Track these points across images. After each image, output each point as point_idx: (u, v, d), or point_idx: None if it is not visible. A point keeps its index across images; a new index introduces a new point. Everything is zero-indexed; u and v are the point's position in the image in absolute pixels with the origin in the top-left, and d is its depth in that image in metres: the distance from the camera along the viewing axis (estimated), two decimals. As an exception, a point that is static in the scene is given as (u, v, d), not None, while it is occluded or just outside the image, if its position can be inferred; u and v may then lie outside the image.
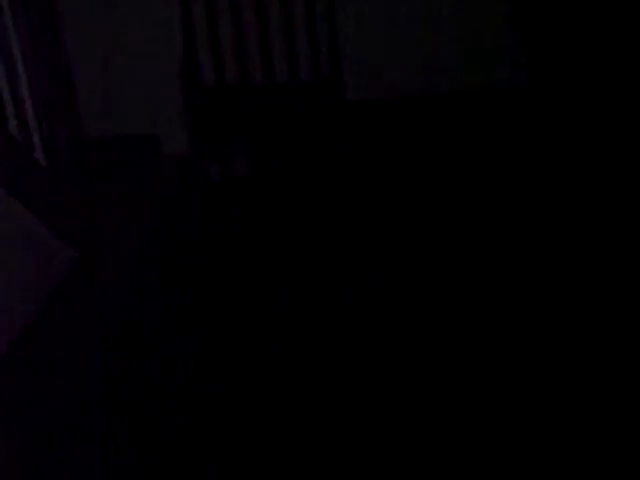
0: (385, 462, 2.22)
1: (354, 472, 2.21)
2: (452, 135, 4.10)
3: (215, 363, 2.77)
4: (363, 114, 4.12)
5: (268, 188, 3.94)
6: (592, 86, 3.73)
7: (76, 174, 3.73)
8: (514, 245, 3.32)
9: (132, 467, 2.30)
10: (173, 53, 3.81)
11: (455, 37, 4.00)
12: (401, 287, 3.12)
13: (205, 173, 3.87)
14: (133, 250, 3.44)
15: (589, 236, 3.28)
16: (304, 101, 3.90)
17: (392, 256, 3.33)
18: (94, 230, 3.42)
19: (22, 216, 3.11)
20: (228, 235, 3.60)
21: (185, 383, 2.65)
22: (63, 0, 3.91)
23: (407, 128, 4.16)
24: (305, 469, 2.24)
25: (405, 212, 3.66)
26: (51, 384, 2.68)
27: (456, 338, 2.75)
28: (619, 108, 3.64)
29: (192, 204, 3.84)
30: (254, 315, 3.01)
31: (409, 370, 2.58)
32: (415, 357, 2.66)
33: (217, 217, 3.73)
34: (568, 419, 2.30)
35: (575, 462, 2.15)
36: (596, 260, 3.10)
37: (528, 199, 3.63)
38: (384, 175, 4.00)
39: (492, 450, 2.22)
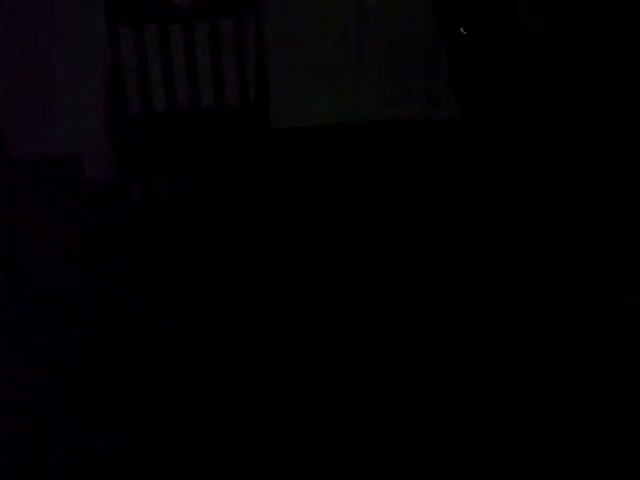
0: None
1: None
2: (375, 164, 4.19)
3: None
4: (287, 141, 4.20)
5: (190, 210, 4.00)
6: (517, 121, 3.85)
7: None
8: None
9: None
10: (100, 80, 3.84)
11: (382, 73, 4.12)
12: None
13: (127, 195, 3.90)
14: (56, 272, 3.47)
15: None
16: (230, 127, 3.96)
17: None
18: (17, 254, 3.43)
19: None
20: (149, 257, 3.65)
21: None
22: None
23: (329, 156, 4.25)
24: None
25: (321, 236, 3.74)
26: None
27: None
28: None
29: (115, 224, 3.88)
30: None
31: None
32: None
33: (138, 237, 3.78)
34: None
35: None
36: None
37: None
38: (305, 198, 4.08)
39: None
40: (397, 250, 3.55)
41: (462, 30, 3.82)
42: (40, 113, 4.04)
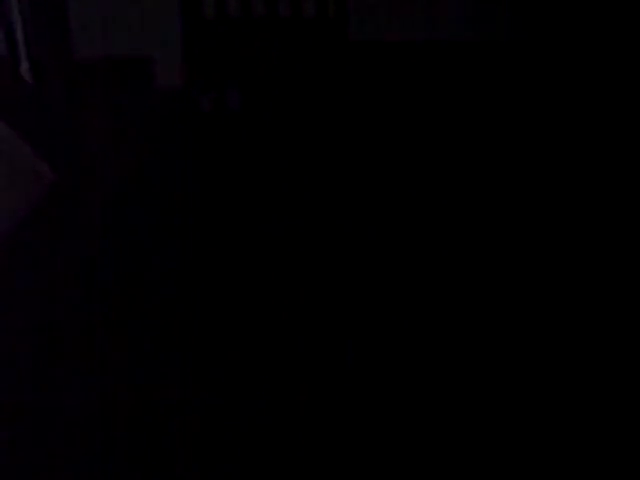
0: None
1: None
2: (451, 83, 4.01)
3: (205, 291, 2.74)
4: (365, 56, 4.01)
5: (261, 125, 3.84)
6: (592, 46, 3.64)
7: (65, 97, 3.60)
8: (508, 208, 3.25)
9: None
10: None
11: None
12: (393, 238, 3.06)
13: (197, 105, 3.76)
14: (116, 178, 3.35)
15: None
16: (306, 39, 3.78)
17: (384, 206, 3.26)
18: (78, 156, 3.32)
19: (6, 134, 3.01)
20: (216, 170, 3.51)
21: (176, 307, 2.64)
22: None
23: (407, 73, 4.06)
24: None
25: (397, 158, 3.58)
26: (26, 307, 2.63)
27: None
28: (617, 71, 3.56)
29: (182, 135, 3.74)
30: (243, 249, 2.94)
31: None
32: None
33: (206, 150, 3.63)
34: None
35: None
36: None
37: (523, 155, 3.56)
38: (380, 119, 3.91)
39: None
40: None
41: None
42: (114, 15, 3.91)
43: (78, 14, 3.89)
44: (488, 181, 3.43)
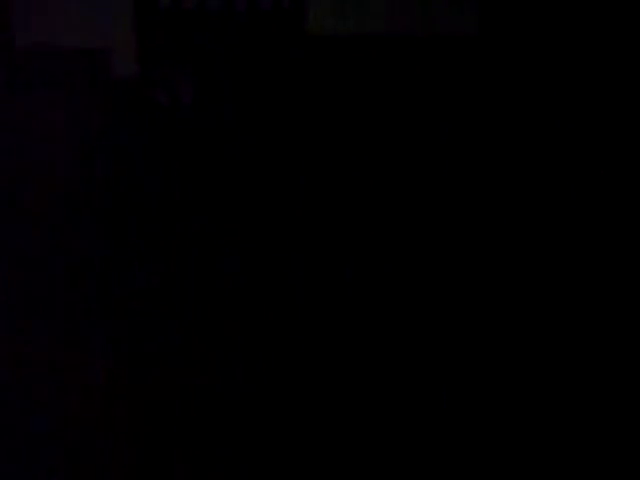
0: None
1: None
2: (407, 78, 3.97)
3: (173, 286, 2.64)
4: (323, 50, 3.95)
5: (212, 117, 3.78)
6: (547, 45, 3.62)
7: (5, 88, 3.50)
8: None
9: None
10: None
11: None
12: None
13: (151, 98, 3.69)
14: (68, 175, 3.27)
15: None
16: (262, 31, 3.73)
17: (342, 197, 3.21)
18: (24, 150, 3.23)
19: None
20: (170, 163, 3.44)
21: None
22: None
23: (364, 66, 4.02)
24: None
25: (354, 154, 3.53)
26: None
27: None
28: (572, 66, 3.54)
29: (136, 128, 3.67)
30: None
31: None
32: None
33: (160, 144, 3.56)
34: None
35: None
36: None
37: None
38: (338, 114, 3.86)
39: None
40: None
41: None
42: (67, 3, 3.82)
43: (30, 4, 3.79)
44: (473, 176, 3.40)
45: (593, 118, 3.50)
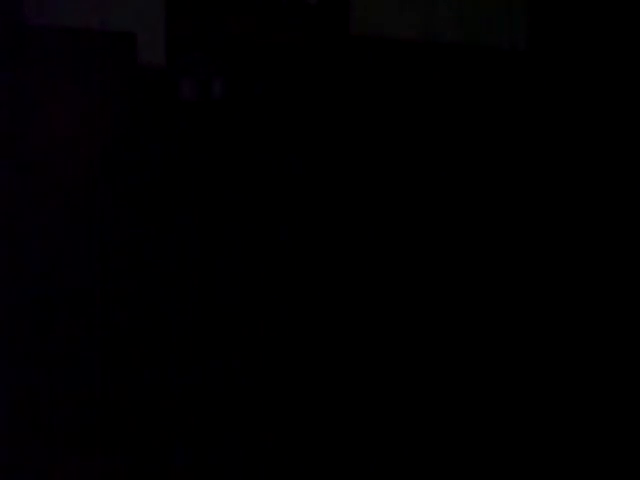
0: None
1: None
2: (448, 87, 3.68)
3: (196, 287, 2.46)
4: (365, 51, 3.63)
5: (245, 118, 3.43)
6: (599, 59, 3.47)
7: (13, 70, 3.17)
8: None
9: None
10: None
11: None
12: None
13: (177, 90, 3.33)
14: (86, 165, 2.93)
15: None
16: (304, 26, 3.38)
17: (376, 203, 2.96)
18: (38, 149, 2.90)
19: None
20: (196, 163, 3.11)
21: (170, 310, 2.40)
22: None
23: (404, 72, 3.72)
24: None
25: (391, 159, 3.26)
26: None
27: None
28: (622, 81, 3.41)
29: (160, 122, 3.32)
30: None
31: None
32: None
33: (187, 141, 3.22)
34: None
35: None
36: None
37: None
38: (375, 119, 3.55)
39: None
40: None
41: None
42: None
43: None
44: (483, 183, 3.17)
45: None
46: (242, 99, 3.41)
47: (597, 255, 2.95)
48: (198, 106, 3.35)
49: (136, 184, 2.99)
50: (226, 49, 3.37)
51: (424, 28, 3.72)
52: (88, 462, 2.05)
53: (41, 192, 2.77)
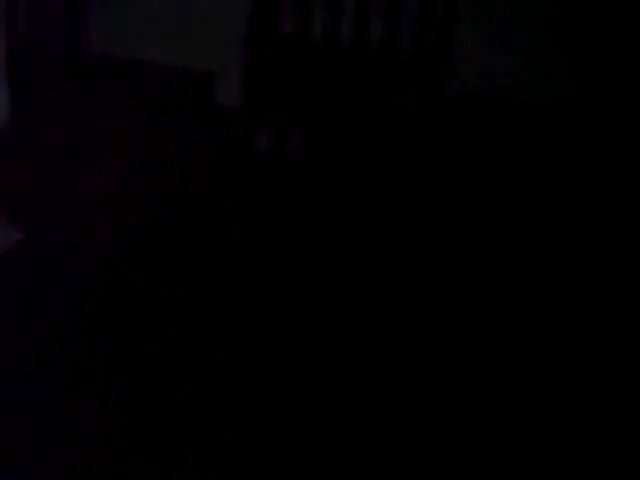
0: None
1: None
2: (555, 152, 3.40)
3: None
4: (462, 111, 3.30)
5: (326, 175, 3.13)
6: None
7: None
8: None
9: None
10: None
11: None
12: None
13: (251, 142, 3.05)
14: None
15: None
16: (398, 77, 3.06)
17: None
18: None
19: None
20: (268, 224, 2.89)
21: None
22: None
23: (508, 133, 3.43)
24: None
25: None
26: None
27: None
28: None
29: (233, 173, 3.10)
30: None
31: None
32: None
33: (259, 200, 3.00)
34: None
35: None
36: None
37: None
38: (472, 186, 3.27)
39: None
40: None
41: None
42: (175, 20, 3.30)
43: (138, 19, 3.28)
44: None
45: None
46: (321, 157, 3.11)
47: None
48: (272, 162, 3.10)
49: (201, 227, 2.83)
50: (308, 100, 3.07)
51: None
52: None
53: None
